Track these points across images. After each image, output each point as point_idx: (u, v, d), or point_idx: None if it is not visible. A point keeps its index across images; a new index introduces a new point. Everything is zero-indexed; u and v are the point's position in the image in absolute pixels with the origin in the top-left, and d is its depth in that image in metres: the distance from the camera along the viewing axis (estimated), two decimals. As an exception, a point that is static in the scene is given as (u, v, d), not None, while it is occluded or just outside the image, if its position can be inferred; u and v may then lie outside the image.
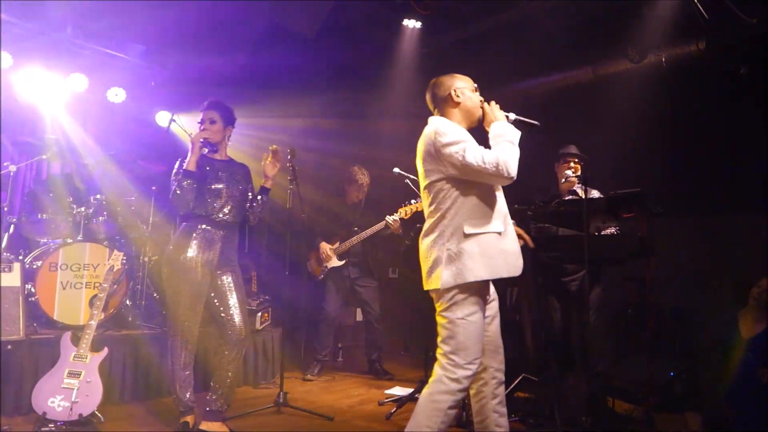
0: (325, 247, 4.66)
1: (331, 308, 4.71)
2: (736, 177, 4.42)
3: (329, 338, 4.81)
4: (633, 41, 4.52)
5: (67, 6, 4.83)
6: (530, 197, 3.62)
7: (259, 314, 4.46)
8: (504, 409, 2.38)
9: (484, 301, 2.28)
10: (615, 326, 4.73)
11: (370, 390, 4.26)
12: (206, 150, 3.11)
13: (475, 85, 2.46)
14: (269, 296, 4.73)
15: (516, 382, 3.62)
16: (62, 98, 5.03)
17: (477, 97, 2.43)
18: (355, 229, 4.65)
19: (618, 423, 3.20)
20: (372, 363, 4.79)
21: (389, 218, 4.41)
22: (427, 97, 2.48)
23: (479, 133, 2.40)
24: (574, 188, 3.93)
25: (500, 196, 2.36)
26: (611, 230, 3.58)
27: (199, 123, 3.09)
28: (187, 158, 2.96)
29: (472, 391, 2.37)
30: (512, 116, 2.43)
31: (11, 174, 3.96)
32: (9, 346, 3.06)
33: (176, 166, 3.04)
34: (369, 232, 4.54)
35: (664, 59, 4.50)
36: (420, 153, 2.35)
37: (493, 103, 2.41)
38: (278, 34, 5.05)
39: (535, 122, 2.48)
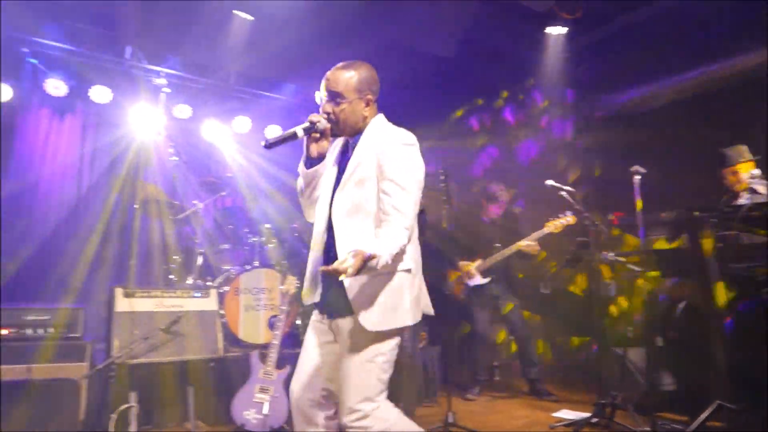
0: (468, 264, 4.64)
1: (481, 327, 4.66)
2: None
3: (484, 357, 4.77)
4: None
5: (229, 57, 5.45)
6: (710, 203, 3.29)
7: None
8: None
9: None
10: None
11: (535, 412, 4.11)
12: None
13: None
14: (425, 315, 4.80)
15: (708, 411, 3.22)
16: (232, 140, 5.68)
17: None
18: (497, 245, 4.58)
19: None
20: (532, 383, 4.63)
21: (522, 242, 4.32)
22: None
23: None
24: (752, 187, 3.54)
25: None
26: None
27: None
28: None
29: None
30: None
31: (199, 210, 4.53)
32: (212, 364, 3.47)
33: None
34: (506, 252, 4.45)
35: None
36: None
37: None
38: (417, 57, 5.19)
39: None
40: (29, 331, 3.30)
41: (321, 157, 2.13)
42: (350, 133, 2.15)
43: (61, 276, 4.79)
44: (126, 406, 3.12)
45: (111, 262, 5.10)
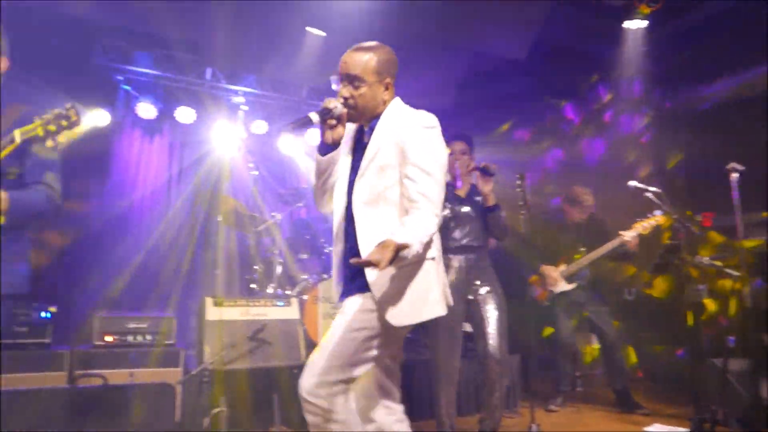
0: (551, 270, 4.49)
1: (564, 335, 4.49)
2: None
3: (567, 366, 4.58)
4: None
5: (302, 73, 5.64)
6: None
7: (495, 341, 4.45)
8: None
9: None
10: None
11: (625, 426, 3.90)
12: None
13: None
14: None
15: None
16: (307, 152, 5.87)
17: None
18: (582, 249, 4.39)
19: None
20: (619, 394, 4.40)
21: (627, 234, 4.06)
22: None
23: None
24: None
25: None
26: None
27: (450, 155, 3.28)
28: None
29: None
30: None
31: (277, 222, 4.69)
32: (295, 371, 3.57)
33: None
34: (601, 251, 4.23)
35: None
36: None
37: None
38: (489, 60, 5.13)
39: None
40: (130, 338, 3.56)
41: (336, 144, 2.01)
42: (368, 118, 2.03)
43: (154, 286, 5.12)
44: (217, 410, 3.27)
45: (197, 273, 5.40)
